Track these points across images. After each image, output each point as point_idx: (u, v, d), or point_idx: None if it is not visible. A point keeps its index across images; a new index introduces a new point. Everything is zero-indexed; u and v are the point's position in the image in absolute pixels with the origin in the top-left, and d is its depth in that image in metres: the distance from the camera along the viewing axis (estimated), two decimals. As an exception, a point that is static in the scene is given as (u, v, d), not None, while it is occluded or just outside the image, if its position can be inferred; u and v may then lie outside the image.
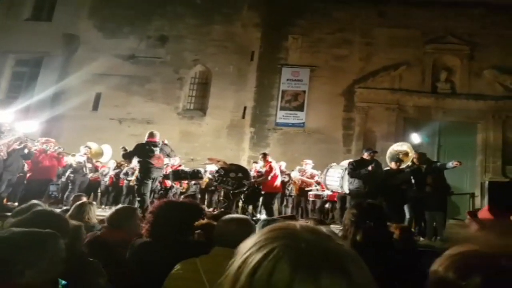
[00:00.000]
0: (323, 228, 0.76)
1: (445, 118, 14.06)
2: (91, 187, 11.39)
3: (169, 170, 9.84)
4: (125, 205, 4.14)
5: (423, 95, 14.36)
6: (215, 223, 3.48)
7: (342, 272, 0.64)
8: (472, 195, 10.19)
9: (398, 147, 8.95)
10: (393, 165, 8.15)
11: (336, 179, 8.78)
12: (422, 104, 14.36)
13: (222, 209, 7.74)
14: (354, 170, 7.80)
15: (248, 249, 0.69)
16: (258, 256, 0.66)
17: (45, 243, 1.66)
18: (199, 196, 10.92)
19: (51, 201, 10.12)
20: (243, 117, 15.16)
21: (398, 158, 8.34)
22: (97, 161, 10.89)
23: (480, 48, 14.38)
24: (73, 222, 2.88)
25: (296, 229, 0.71)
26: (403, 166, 8.16)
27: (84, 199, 6.50)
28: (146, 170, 7.93)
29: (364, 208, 2.69)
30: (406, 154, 8.57)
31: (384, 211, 3.36)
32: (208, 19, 15.91)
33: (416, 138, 11.62)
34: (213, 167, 10.37)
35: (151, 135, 8.18)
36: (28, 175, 9.63)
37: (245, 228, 2.21)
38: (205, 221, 3.25)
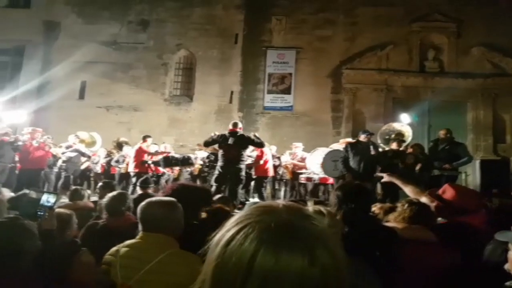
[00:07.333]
0: (307, 209, 0.84)
1: (434, 97, 13.93)
2: (84, 176, 11.68)
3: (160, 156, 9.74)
4: (119, 191, 4.10)
5: (411, 75, 14.29)
6: (227, 208, 3.55)
7: (303, 251, 0.70)
8: (465, 174, 10.21)
9: (400, 127, 9.05)
10: (394, 145, 8.14)
11: (318, 168, 8.98)
12: (410, 83, 14.30)
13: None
14: (347, 154, 7.83)
15: (229, 224, 0.77)
16: (234, 230, 0.74)
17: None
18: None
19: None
20: (230, 101, 14.94)
21: (399, 139, 8.39)
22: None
23: (467, 25, 14.26)
24: (64, 210, 2.97)
25: (275, 207, 0.78)
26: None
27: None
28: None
29: (348, 190, 2.61)
30: (402, 134, 8.59)
31: (370, 194, 3.31)
32: (188, 1, 15.39)
33: (405, 118, 11.56)
34: (203, 153, 10.27)
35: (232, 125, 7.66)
36: (18, 165, 9.61)
37: (170, 211, 2.17)
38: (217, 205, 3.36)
